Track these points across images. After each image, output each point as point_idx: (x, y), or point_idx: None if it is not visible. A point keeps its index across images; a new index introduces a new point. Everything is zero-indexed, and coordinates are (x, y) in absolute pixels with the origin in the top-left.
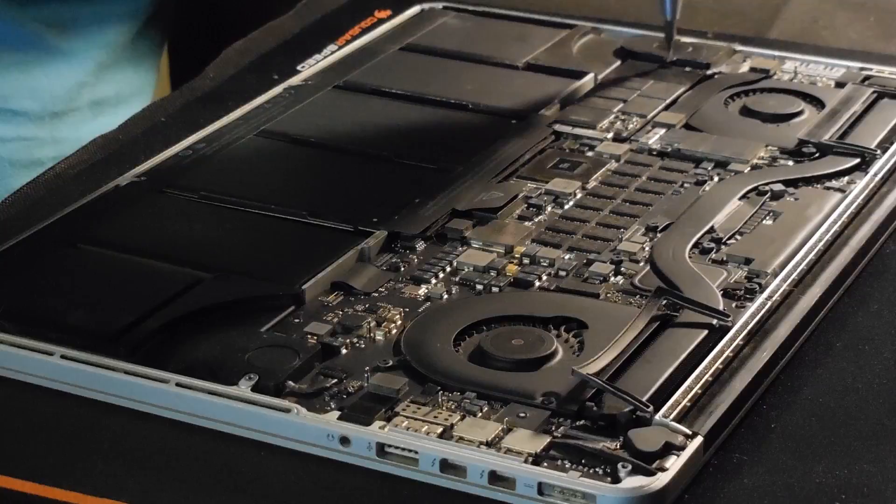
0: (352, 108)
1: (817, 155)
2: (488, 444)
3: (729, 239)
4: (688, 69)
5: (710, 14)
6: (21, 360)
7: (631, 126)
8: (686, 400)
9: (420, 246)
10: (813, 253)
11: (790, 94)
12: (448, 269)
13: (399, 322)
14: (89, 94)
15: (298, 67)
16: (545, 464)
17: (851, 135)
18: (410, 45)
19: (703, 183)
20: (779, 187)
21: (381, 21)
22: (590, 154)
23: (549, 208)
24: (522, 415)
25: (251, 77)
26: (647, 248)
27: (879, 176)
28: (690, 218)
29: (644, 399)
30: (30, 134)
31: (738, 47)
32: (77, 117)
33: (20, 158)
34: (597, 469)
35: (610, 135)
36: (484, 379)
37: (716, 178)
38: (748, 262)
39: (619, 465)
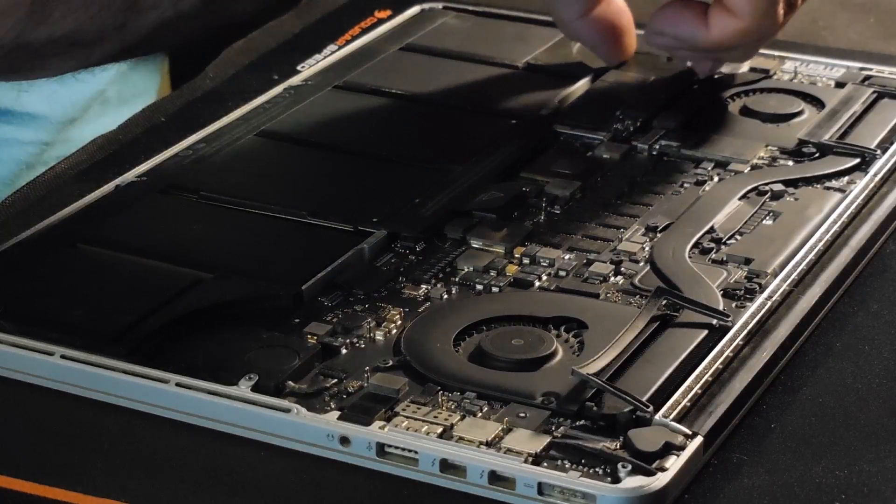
0: (352, 108)
1: (817, 155)
2: (488, 444)
3: (729, 239)
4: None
5: None
6: (21, 360)
7: (631, 126)
8: (686, 400)
9: (420, 246)
10: (813, 253)
11: (790, 94)
12: (448, 269)
13: (399, 322)
14: (101, 98)
15: (298, 67)
16: (545, 464)
17: (851, 135)
18: (410, 45)
19: (703, 183)
20: (779, 187)
21: (381, 21)
22: (590, 154)
23: (549, 208)
24: (522, 415)
25: (251, 77)
26: (647, 248)
27: (879, 176)
28: (690, 218)
29: (644, 399)
30: (48, 138)
31: None
32: (85, 119)
33: (34, 161)
34: (597, 469)
35: (610, 135)
36: (484, 379)
37: (716, 178)
38: (748, 262)
39: (619, 465)
